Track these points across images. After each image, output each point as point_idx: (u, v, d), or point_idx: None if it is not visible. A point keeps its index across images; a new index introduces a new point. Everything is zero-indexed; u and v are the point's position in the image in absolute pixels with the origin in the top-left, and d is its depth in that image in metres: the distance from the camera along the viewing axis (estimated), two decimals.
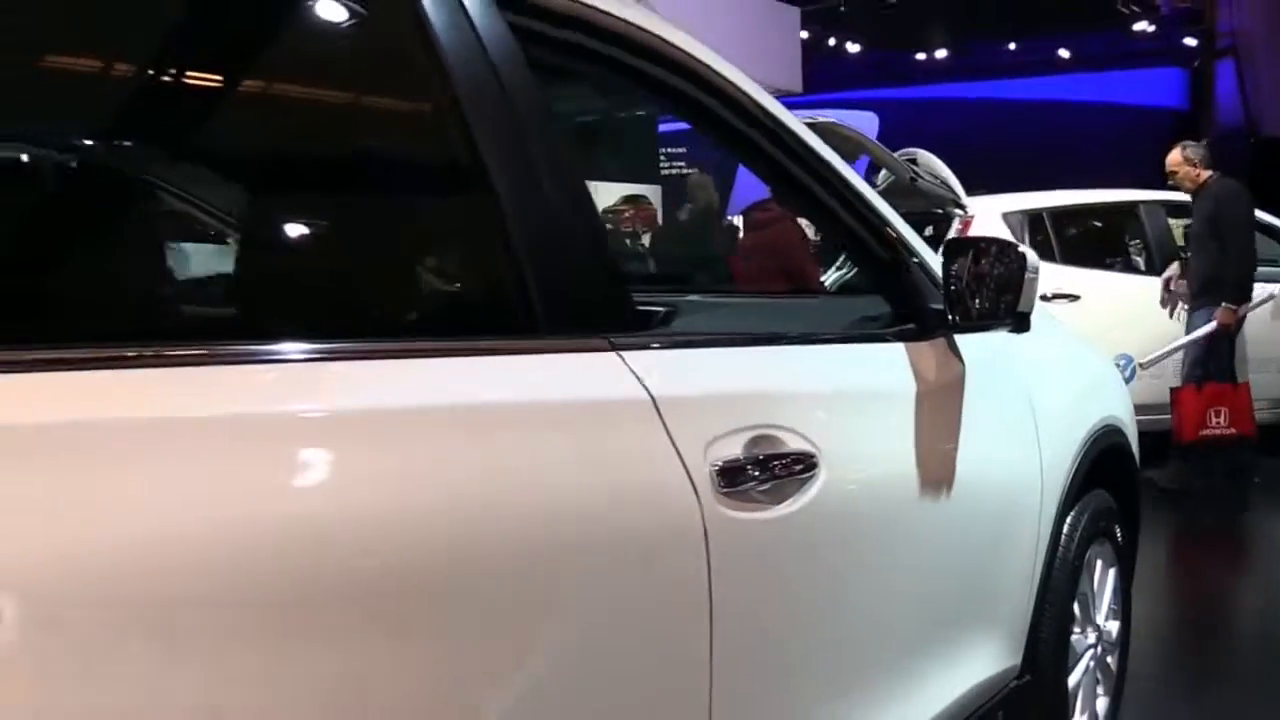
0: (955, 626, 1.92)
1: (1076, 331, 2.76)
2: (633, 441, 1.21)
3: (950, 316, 1.80)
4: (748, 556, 1.32)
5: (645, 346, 1.30)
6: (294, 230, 1.29)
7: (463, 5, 1.20)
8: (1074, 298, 5.79)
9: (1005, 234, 5.82)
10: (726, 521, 1.27)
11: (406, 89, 1.28)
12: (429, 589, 0.99)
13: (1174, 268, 5.96)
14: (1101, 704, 2.58)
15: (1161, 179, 5.93)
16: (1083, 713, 2.46)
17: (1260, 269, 5.70)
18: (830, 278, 5.60)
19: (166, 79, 1.14)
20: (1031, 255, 1.83)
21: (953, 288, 1.78)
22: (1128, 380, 5.72)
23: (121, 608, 0.80)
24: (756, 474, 1.33)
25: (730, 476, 1.29)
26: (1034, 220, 6.04)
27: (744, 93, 1.60)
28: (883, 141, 5.09)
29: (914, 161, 5.48)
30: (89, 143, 1.12)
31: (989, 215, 5.79)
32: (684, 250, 6.27)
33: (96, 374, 0.86)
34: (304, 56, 1.23)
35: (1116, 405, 2.58)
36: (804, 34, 10.66)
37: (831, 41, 16.23)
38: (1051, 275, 5.71)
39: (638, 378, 1.23)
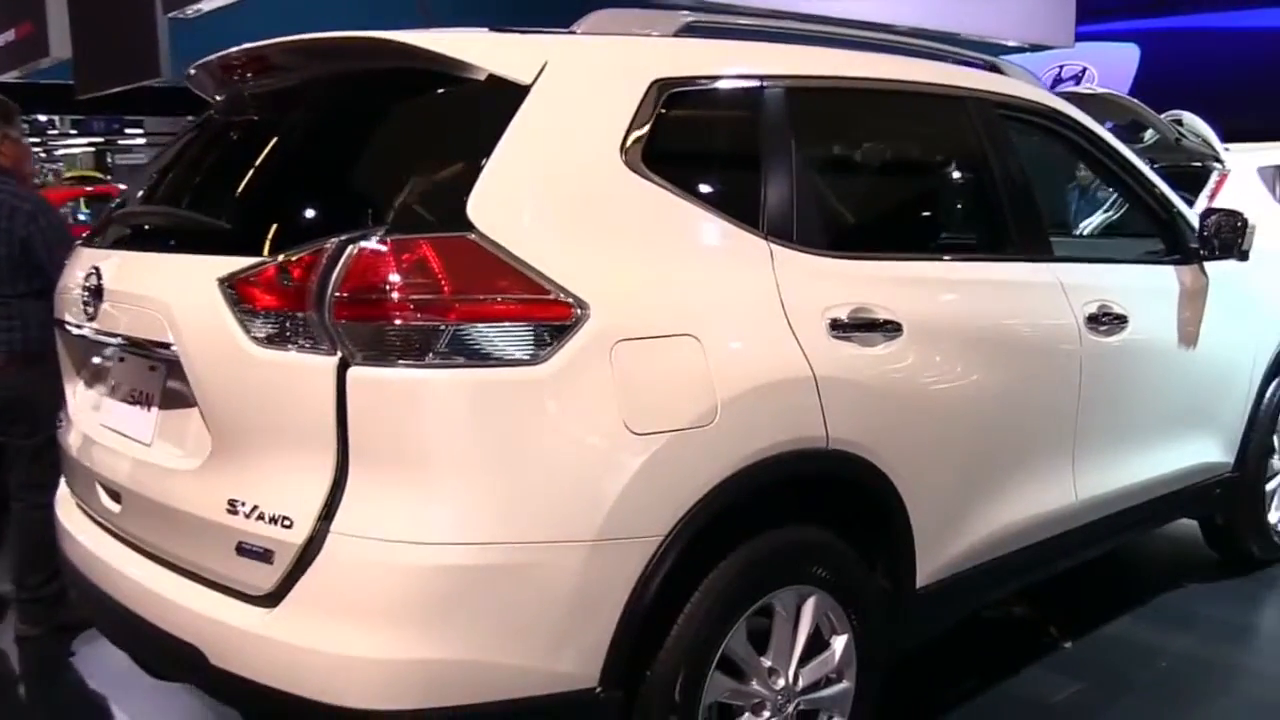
0: (1196, 425, 3.43)
1: None
2: (1055, 303, 2.81)
3: (1201, 251, 3.31)
4: (1097, 358, 2.90)
5: (1057, 261, 2.88)
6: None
7: (983, 104, 2.82)
8: None
9: (1259, 186, 6.86)
10: (1090, 341, 2.86)
11: (973, 143, 2.84)
12: (1020, 347, 2.70)
13: None
14: None
15: None
16: (1276, 510, 3.90)
17: None
18: (1098, 219, 6.83)
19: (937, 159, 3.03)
20: (1250, 216, 3.27)
21: (1204, 234, 3.29)
22: None
23: (962, 335, 2.50)
24: (1102, 320, 2.91)
25: (1092, 321, 2.87)
26: None
27: (1097, 134, 3.16)
28: (1149, 74, 6.11)
29: (1179, 122, 6.63)
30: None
31: (1244, 169, 6.82)
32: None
33: (979, 263, 2.76)
34: (956, 139, 2.90)
35: None
36: None
37: None
38: None
39: (1056, 276, 2.83)
